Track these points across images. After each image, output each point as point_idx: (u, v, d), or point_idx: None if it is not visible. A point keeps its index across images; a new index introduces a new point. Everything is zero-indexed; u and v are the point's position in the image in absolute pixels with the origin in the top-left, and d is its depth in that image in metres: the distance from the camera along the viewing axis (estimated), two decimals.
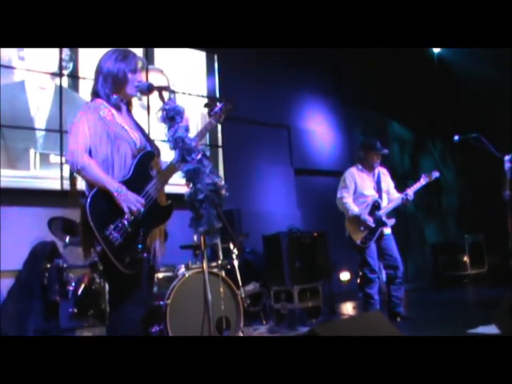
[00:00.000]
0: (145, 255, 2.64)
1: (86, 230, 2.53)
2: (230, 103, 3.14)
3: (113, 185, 2.58)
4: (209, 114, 3.09)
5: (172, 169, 2.77)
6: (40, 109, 5.63)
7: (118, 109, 2.79)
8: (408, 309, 5.45)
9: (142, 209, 2.61)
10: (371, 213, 5.24)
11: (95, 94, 2.79)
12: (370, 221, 5.18)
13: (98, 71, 2.79)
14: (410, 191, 5.28)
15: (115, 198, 2.55)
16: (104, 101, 2.74)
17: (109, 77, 2.75)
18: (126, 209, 2.55)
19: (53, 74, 5.76)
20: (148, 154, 2.76)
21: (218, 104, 3.10)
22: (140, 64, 2.83)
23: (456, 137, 5.62)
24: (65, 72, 5.88)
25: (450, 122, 10.03)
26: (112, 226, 2.52)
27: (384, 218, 5.23)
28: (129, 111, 2.90)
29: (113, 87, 2.76)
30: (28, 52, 5.58)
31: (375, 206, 5.28)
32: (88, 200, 2.50)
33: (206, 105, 3.15)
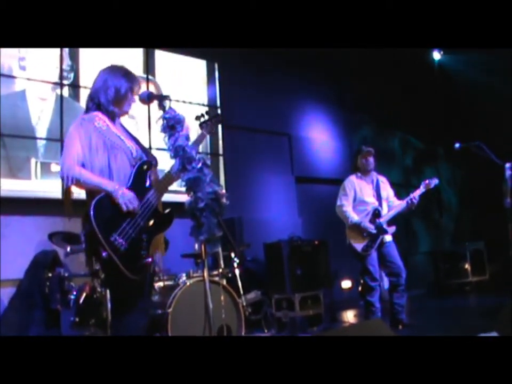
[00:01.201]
0: (149, 260, 2.67)
1: (90, 237, 2.54)
2: (219, 115, 3.27)
3: (111, 184, 2.61)
4: (201, 126, 3.14)
5: (170, 178, 2.79)
6: (41, 118, 5.64)
7: (112, 119, 2.82)
8: (409, 316, 5.43)
9: (137, 208, 2.63)
10: (372, 221, 5.23)
11: (94, 102, 2.80)
12: (371, 228, 5.17)
13: (100, 83, 2.81)
14: (416, 195, 5.28)
15: (114, 197, 2.56)
16: (100, 112, 2.76)
17: (111, 89, 2.77)
18: (124, 207, 2.56)
19: (54, 84, 5.78)
20: (147, 163, 2.79)
21: (207, 116, 3.18)
22: (138, 86, 2.88)
23: (457, 145, 5.63)
24: (66, 82, 5.89)
25: (451, 129, 10.05)
26: (116, 233, 2.53)
27: (385, 226, 5.22)
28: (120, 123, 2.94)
29: (113, 100, 2.78)
30: (29, 62, 5.59)
31: (376, 214, 5.26)
32: (91, 208, 2.51)
33: (197, 118, 3.21)
